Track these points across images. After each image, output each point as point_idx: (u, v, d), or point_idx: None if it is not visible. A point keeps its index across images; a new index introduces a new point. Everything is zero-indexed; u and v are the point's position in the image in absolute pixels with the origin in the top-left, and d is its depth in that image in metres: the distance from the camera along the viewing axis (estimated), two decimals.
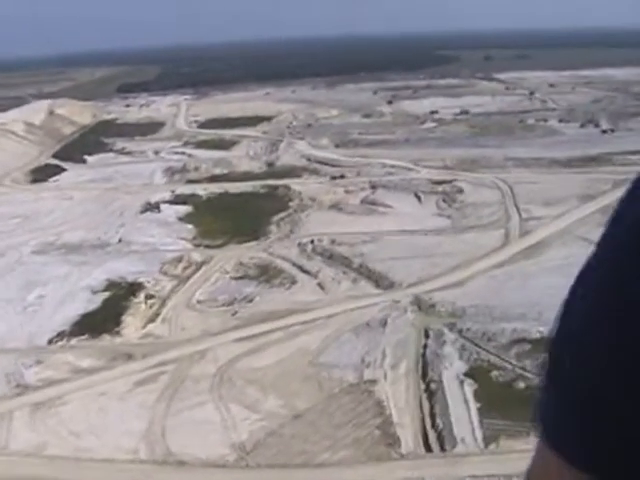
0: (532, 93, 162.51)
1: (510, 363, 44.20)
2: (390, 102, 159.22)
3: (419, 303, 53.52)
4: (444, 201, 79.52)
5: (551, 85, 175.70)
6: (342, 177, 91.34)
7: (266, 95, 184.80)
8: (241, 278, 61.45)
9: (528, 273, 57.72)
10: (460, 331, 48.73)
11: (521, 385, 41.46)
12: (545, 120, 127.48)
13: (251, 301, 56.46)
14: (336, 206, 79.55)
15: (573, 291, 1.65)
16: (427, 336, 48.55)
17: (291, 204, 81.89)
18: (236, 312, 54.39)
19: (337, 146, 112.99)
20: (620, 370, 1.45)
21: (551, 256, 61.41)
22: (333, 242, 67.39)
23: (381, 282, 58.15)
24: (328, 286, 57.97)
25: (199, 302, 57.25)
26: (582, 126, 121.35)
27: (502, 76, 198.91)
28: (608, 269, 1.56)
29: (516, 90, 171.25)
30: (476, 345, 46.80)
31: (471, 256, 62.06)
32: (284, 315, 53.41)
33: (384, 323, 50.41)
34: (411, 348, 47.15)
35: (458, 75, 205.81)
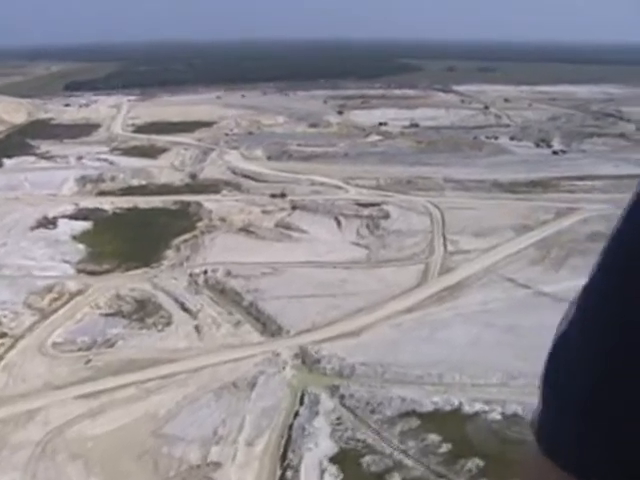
0: (487, 107, 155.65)
1: (390, 444, 36.34)
2: (341, 112, 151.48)
3: (304, 357, 45.60)
4: (367, 227, 71.79)
5: (506, 100, 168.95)
6: (283, 195, 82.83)
7: (217, 99, 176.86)
8: (112, 315, 53.09)
9: (438, 321, 49.97)
10: (342, 397, 40.82)
11: (395, 478, 33.67)
12: (496, 137, 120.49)
13: (112, 346, 48.20)
14: (247, 228, 71.51)
15: (576, 299, 1.64)
16: (302, 402, 40.65)
17: (199, 224, 73.80)
18: (89, 360, 46.13)
19: (269, 158, 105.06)
20: (618, 379, 1.46)
21: (468, 300, 53.83)
22: (229, 274, 59.35)
23: (268, 327, 50.14)
24: (205, 330, 49.82)
25: (54, 345, 48.80)
26: (537, 145, 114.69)
27: (461, 88, 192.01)
28: (612, 275, 1.56)
29: (471, 104, 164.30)
30: (356, 417, 38.93)
31: (379, 297, 54.23)
32: (144, 366, 45.25)
33: (254, 383, 42.40)
34: (278, 418, 39.17)
35: (415, 85, 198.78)
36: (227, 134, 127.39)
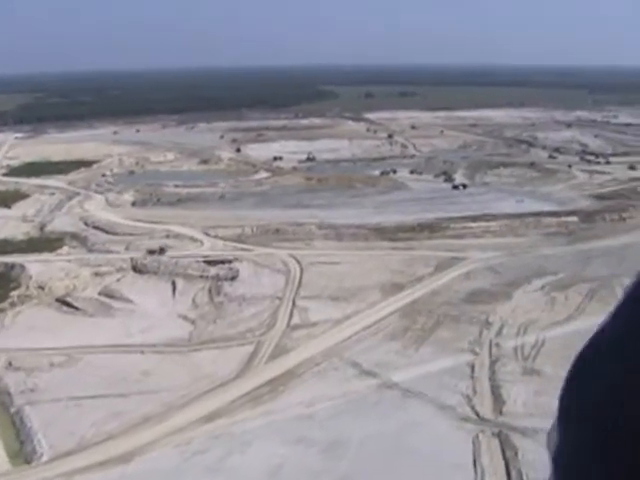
0: (390, 136, 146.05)
1: None
2: (238, 147, 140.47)
3: None
4: (208, 292, 60.90)
5: (413, 127, 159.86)
6: (162, 251, 70.92)
7: (113, 134, 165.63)
8: None
9: (240, 436, 38.85)
10: None
11: None
12: (394, 171, 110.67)
13: None
14: (64, 299, 60.02)
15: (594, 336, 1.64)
16: None
17: (13, 294, 62.13)
18: None
19: (134, 204, 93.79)
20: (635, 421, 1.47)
21: (291, 400, 42.89)
22: (10, 365, 47.86)
23: (24, 447, 38.81)
24: None
25: None
26: (445, 180, 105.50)
27: (373, 116, 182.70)
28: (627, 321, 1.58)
29: (377, 133, 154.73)
30: None
31: (180, 397, 43.10)
32: None
33: None
34: None
35: (324, 114, 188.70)
36: (104, 175, 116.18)
